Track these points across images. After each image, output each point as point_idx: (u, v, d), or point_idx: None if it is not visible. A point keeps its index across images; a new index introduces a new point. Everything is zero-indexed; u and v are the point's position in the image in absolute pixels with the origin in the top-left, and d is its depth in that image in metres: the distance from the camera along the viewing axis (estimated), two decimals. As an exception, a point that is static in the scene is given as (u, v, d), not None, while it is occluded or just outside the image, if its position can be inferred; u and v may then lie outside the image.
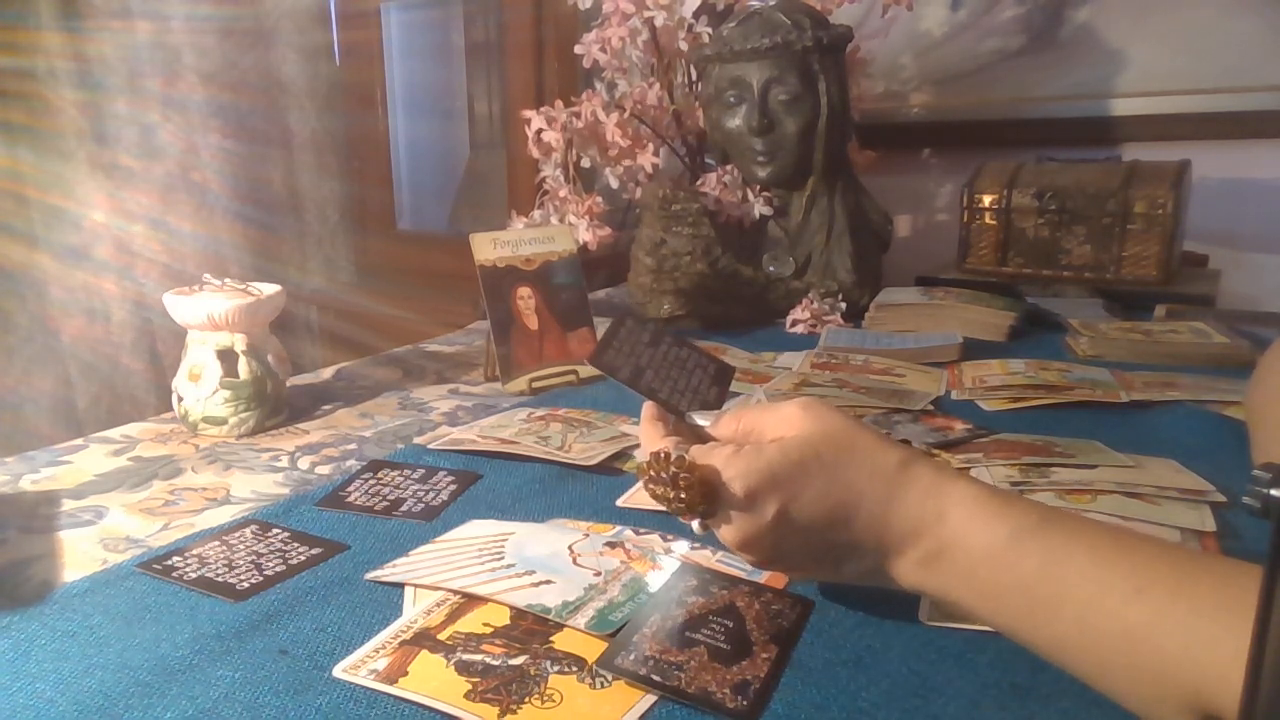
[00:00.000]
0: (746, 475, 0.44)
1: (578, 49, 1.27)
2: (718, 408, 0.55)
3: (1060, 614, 0.39)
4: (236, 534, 0.60)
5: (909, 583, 0.44)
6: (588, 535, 0.57)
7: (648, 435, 0.52)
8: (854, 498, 0.44)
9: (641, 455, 0.50)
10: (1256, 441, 0.64)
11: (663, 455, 0.47)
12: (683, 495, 0.45)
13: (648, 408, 0.53)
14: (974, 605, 0.42)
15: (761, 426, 0.49)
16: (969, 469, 0.66)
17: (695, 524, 0.48)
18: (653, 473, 0.47)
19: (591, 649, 0.46)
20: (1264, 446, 0.62)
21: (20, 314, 1.38)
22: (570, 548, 0.55)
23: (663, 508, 0.47)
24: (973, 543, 0.41)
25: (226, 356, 0.82)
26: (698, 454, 0.47)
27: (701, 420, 0.53)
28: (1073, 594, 0.38)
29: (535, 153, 1.19)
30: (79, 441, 0.81)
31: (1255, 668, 0.23)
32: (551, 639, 0.47)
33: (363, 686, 0.43)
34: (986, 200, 1.27)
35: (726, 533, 0.47)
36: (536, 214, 1.16)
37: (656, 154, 1.24)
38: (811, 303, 1.16)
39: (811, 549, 0.46)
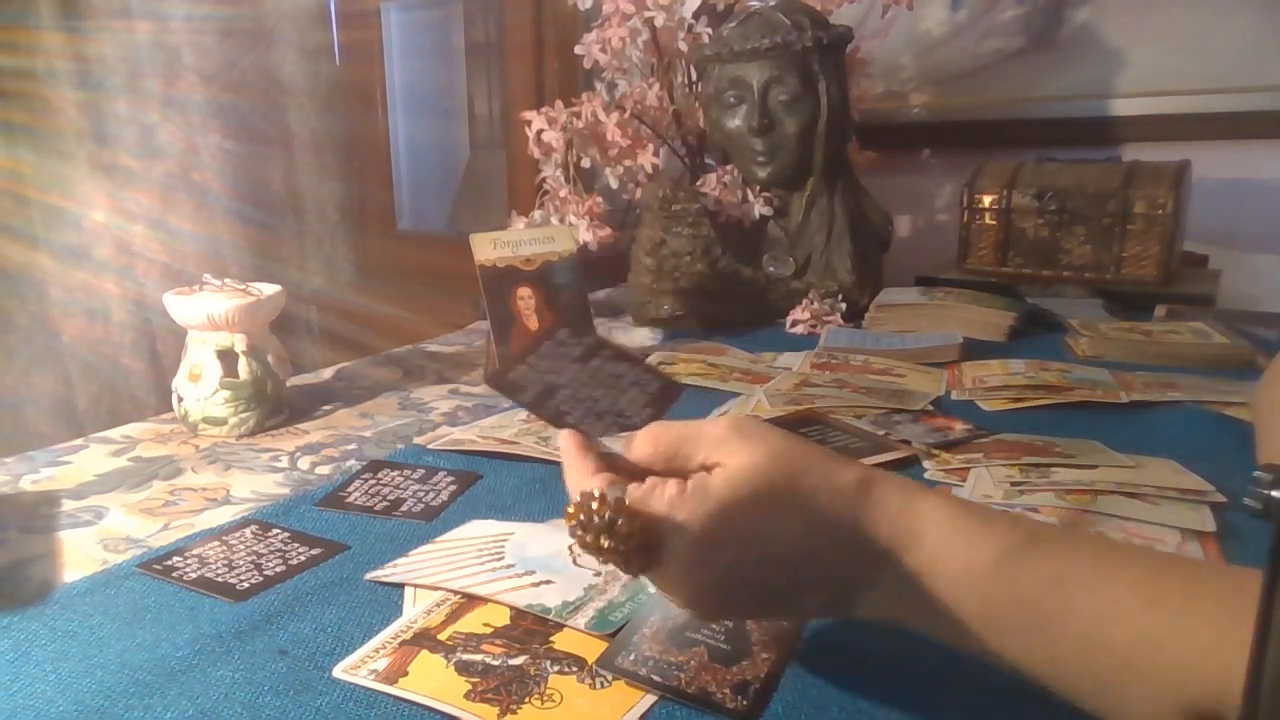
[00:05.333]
0: (696, 520, 0.38)
1: (578, 49, 1.27)
2: None
3: (1064, 631, 0.37)
4: (236, 534, 0.60)
5: (878, 613, 0.41)
6: (588, 535, 0.57)
7: (573, 469, 0.44)
8: (815, 528, 0.39)
9: (571, 494, 0.42)
10: (1262, 442, 0.64)
11: (596, 497, 0.40)
12: (620, 546, 0.39)
13: (567, 436, 0.45)
14: (955, 630, 0.39)
15: (689, 449, 0.42)
16: (969, 469, 0.67)
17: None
18: (582, 517, 0.39)
19: (591, 649, 0.46)
20: (1270, 447, 0.62)
21: (20, 314, 1.38)
22: (570, 548, 0.55)
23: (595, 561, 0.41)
24: (955, 565, 0.38)
25: (226, 356, 0.82)
26: (636, 496, 0.40)
27: (613, 445, 0.45)
28: (1080, 608, 0.36)
29: (535, 153, 1.19)
30: (79, 441, 0.81)
31: (1256, 668, 0.23)
32: (551, 639, 0.47)
33: (363, 686, 0.43)
34: (986, 200, 1.27)
35: (675, 587, 0.41)
36: (537, 214, 1.16)
37: (656, 154, 1.24)
38: (811, 303, 1.16)
39: (770, 593, 0.41)
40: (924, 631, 0.41)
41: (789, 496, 0.39)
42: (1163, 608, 0.36)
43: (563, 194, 1.17)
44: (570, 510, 0.40)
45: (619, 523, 0.39)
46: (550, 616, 0.48)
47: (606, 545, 0.39)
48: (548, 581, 0.52)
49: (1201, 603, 0.35)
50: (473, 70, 1.96)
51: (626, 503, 0.39)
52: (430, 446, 0.76)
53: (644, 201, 1.21)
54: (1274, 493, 0.24)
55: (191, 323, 0.82)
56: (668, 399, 0.50)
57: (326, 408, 0.90)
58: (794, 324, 1.16)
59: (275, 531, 0.61)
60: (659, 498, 0.40)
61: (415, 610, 0.50)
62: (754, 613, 0.45)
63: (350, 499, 0.66)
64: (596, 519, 0.39)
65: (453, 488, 0.68)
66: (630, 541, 0.39)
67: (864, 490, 0.39)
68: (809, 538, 0.39)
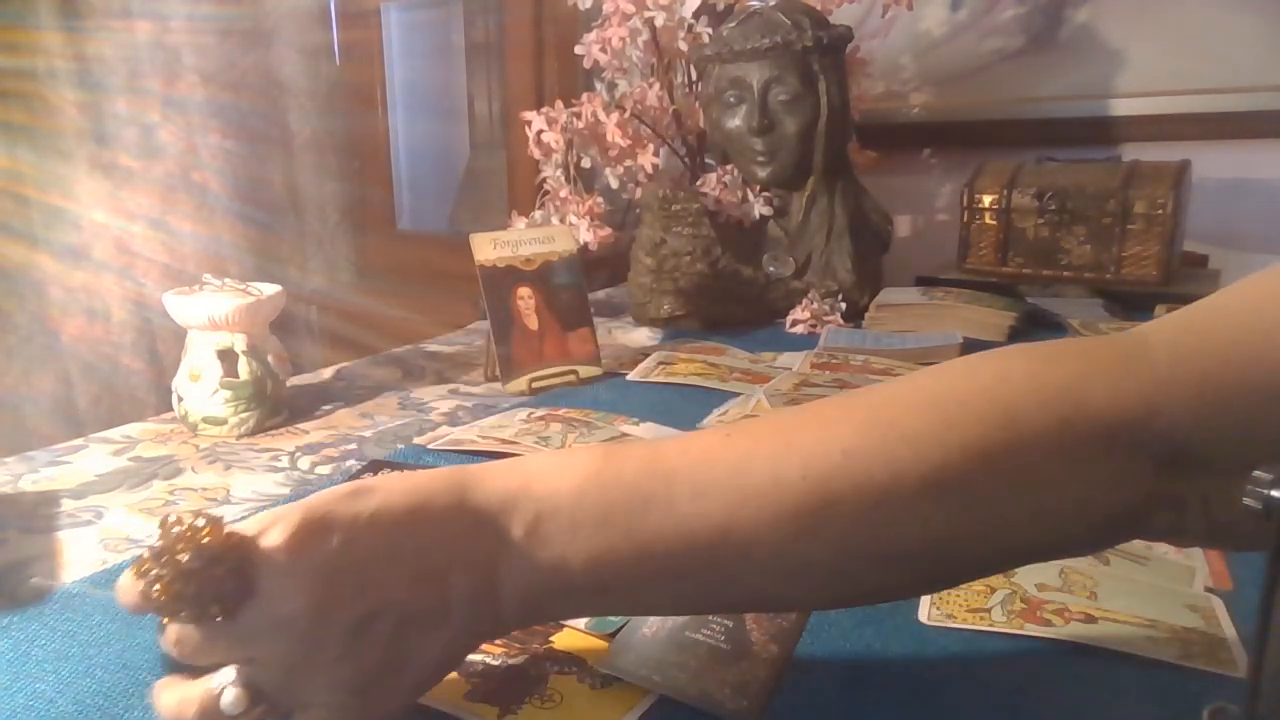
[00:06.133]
0: (291, 511, 0.34)
1: (578, 49, 1.27)
2: None
3: (673, 495, 0.36)
4: (236, 534, 0.60)
5: (524, 582, 0.36)
6: (588, 535, 0.57)
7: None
8: (419, 510, 0.35)
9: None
10: None
11: (173, 521, 0.34)
12: (209, 567, 0.32)
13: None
14: (590, 565, 0.36)
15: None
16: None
17: (230, 686, 0.34)
18: (162, 544, 0.33)
19: (591, 649, 0.46)
20: None
21: (20, 314, 1.38)
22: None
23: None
24: (564, 485, 0.36)
25: (226, 356, 0.82)
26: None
27: None
28: (676, 466, 0.37)
29: (536, 153, 1.19)
30: (79, 441, 0.81)
31: (1256, 668, 0.23)
32: (551, 639, 0.47)
33: (363, 686, 0.43)
34: (986, 200, 1.27)
35: (265, 621, 0.33)
36: (537, 214, 1.16)
37: (656, 154, 1.24)
38: (811, 303, 1.16)
39: (387, 603, 0.34)
40: (571, 590, 0.37)
41: (388, 485, 0.36)
42: (745, 433, 0.38)
43: (563, 194, 1.16)
44: (141, 560, 0.33)
45: (202, 533, 0.33)
46: (550, 616, 0.48)
47: (187, 566, 0.32)
48: (548, 581, 0.51)
49: (770, 425, 0.38)
50: (473, 70, 1.96)
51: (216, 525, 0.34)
52: (430, 446, 0.76)
53: (644, 201, 1.21)
54: (1274, 493, 0.24)
55: (191, 323, 0.82)
56: None
57: (326, 408, 0.90)
58: (794, 324, 1.16)
59: (275, 531, 0.61)
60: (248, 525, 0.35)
61: (415, 610, 0.50)
62: (388, 652, 0.35)
63: None
64: (177, 538, 0.33)
65: (453, 488, 0.68)
66: (220, 561, 0.32)
67: (463, 469, 0.38)
68: (418, 518, 0.35)
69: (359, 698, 0.35)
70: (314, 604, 0.33)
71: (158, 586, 0.33)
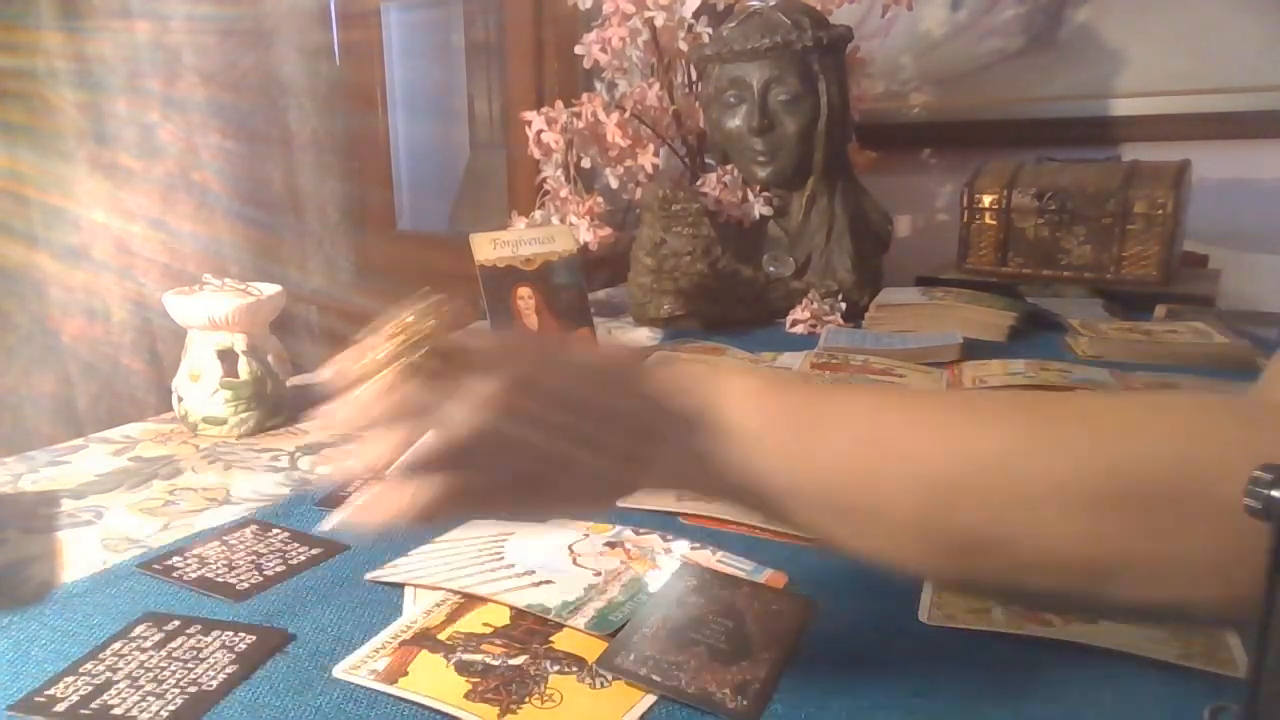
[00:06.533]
0: (498, 339, 0.43)
1: (578, 49, 1.27)
2: None
3: (829, 431, 0.39)
4: (236, 534, 0.60)
5: (676, 462, 0.41)
6: (587, 535, 0.58)
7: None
8: (612, 360, 0.44)
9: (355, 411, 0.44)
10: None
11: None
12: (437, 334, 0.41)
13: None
14: (734, 466, 0.39)
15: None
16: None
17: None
18: (409, 329, 0.42)
19: (591, 649, 0.46)
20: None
21: (20, 314, 1.38)
22: (570, 547, 0.55)
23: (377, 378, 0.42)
24: (751, 401, 0.40)
25: (226, 356, 0.82)
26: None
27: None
28: (838, 410, 0.40)
29: (536, 153, 1.20)
30: (79, 441, 0.81)
31: (1256, 668, 0.23)
32: (551, 639, 0.47)
33: (363, 686, 0.43)
34: (986, 200, 1.27)
35: (472, 392, 0.40)
36: (537, 214, 1.16)
37: (656, 154, 1.24)
38: (811, 303, 1.16)
39: (565, 420, 0.39)
40: (713, 482, 0.41)
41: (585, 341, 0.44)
42: (896, 405, 0.41)
43: (563, 194, 1.17)
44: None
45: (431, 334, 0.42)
46: (550, 616, 0.48)
47: (419, 360, 0.41)
48: (547, 581, 0.52)
49: (958, 405, 0.41)
50: (473, 70, 1.96)
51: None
52: (430, 446, 0.76)
53: (644, 201, 1.21)
54: (1274, 493, 0.24)
55: (191, 323, 0.82)
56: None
57: (326, 408, 0.90)
58: (794, 324, 1.16)
59: (275, 531, 0.61)
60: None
61: (415, 610, 0.50)
62: (549, 457, 0.40)
63: (351, 499, 0.66)
64: (421, 332, 0.42)
65: (453, 488, 0.68)
66: (444, 338, 0.42)
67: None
68: (611, 368, 0.42)
69: (515, 491, 0.41)
70: (499, 380, 0.39)
71: (401, 358, 0.42)
